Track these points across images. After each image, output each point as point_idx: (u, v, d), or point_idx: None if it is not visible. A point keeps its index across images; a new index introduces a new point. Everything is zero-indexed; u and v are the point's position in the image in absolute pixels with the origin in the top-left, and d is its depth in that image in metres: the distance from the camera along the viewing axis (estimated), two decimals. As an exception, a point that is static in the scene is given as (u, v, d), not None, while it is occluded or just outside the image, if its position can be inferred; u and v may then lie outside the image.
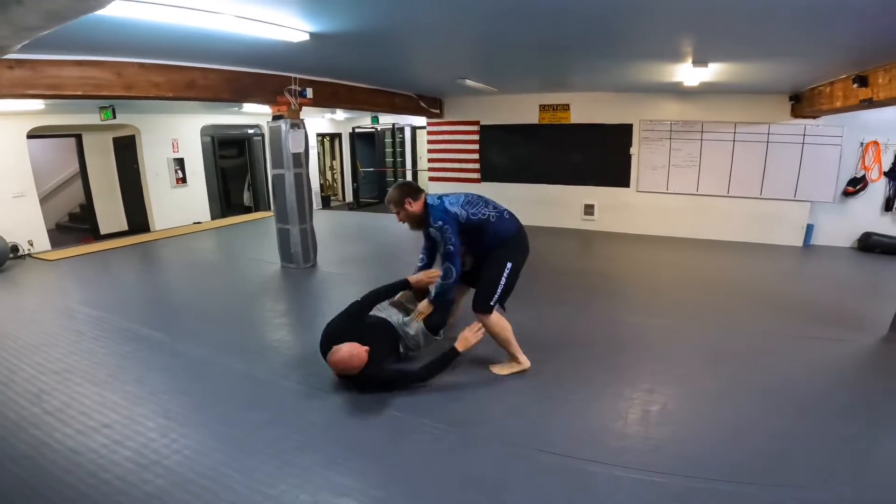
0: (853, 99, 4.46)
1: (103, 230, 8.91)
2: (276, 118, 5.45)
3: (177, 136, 9.00)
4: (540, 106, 7.97)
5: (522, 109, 8.06)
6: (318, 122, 12.08)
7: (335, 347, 2.79)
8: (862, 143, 6.39)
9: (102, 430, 2.55)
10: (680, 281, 5.33)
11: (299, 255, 5.85)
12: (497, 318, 3.05)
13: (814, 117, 6.31)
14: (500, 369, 3.15)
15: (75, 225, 9.70)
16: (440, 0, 2.84)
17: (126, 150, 8.78)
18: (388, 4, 2.96)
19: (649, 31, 3.53)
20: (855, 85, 4.24)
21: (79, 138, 8.54)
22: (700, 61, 4.42)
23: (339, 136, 12.94)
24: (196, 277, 5.84)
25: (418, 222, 3.09)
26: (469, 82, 6.31)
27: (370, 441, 2.50)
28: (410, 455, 2.39)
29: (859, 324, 3.92)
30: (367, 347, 2.78)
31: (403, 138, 12.20)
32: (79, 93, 3.75)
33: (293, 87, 5.25)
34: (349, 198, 13.05)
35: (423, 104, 8.03)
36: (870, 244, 6.51)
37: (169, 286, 5.56)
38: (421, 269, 3.39)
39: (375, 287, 3.21)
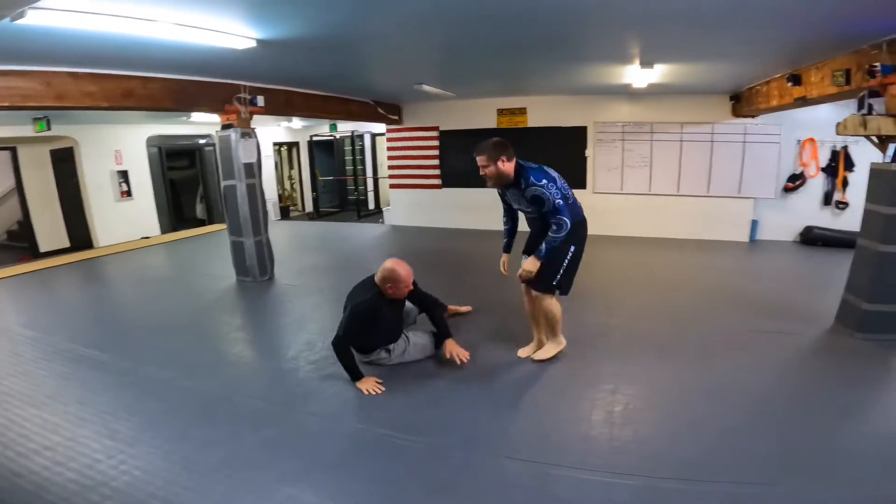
0: (788, 97, 4.71)
1: (43, 248, 8.36)
2: (225, 127, 5.25)
3: (120, 148, 8.57)
4: (498, 110, 8.04)
5: (481, 114, 8.11)
6: (275, 130, 11.79)
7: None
8: (799, 141, 6.76)
9: (44, 452, 2.42)
10: (635, 281, 5.44)
11: (255, 267, 5.65)
12: (553, 301, 3.23)
13: (752, 116, 6.63)
14: (543, 353, 3.35)
15: (13, 243, 9.10)
16: (388, 7, 2.81)
17: (64, 163, 8.28)
18: (336, 12, 2.90)
19: (596, 34, 3.63)
20: (789, 84, 4.47)
21: (13, 151, 7.98)
22: (646, 63, 4.57)
23: (296, 144, 12.66)
24: (143, 294, 5.52)
25: (503, 182, 3.10)
26: (426, 87, 6.29)
27: (333, 455, 2.41)
28: (375, 468, 2.32)
29: (807, 316, 4.09)
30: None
31: (363, 146, 12.05)
32: (4, 104, 3.48)
33: (243, 95, 5.07)
34: (309, 207, 12.77)
35: (381, 111, 7.95)
36: (812, 237, 6.88)
37: (114, 304, 5.23)
38: (508, 231, 3.50)
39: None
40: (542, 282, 3.15)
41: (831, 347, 3.57)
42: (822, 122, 6.27)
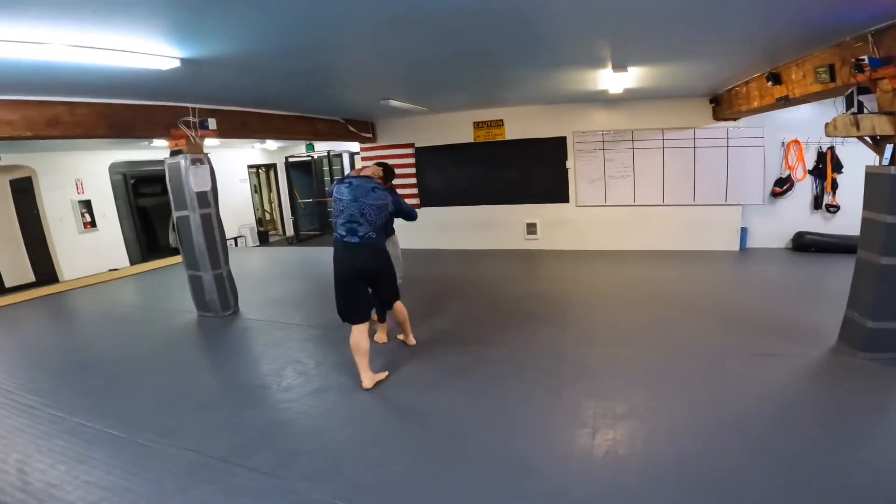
0: (769, 98, 4.43)
1: (8, 283, 7.93)
2: (174, 153, 4.91)
3: (80, 176, 8.19)
4: (474, 123, 7.75)
5: (457, 128, 7.82)
6: (249, 152, 11.47)
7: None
8: (783, 143, 6.51)
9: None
10: (621, 299, 5.09)
11: (216, 302, 5.26)
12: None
13: (734, 119, 6.37)
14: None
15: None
16: (302, 24, 2.51)
17: (24, 194, 7.90)
18: (259, 29, 2.64)
19: (565, 33, 3.30)
20: (769, 83, 4.19)
21: (-31, 183, 7.62)
22: (619, 65, 4.28)
23: (273, 166, 12.33)
24: (95, 332, 5.17)
25: None
26: (394, 103, 5.99)
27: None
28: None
29: (807, 334, 3.75)
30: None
31: (342, 165, 11.72)
32: None
33: (190, 118, 4.74)
34: (290, 231, 12.37)
35: (351, 128, 7.65)
36: (804, 243, 6.58)
37: (62, 343, 4.83)
38: None
39: None
40: None
41: (835, 369, 3.22)
42: (806, 122, 6.03)
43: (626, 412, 2.82)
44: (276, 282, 7.09)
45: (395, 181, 4.12)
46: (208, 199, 5.10)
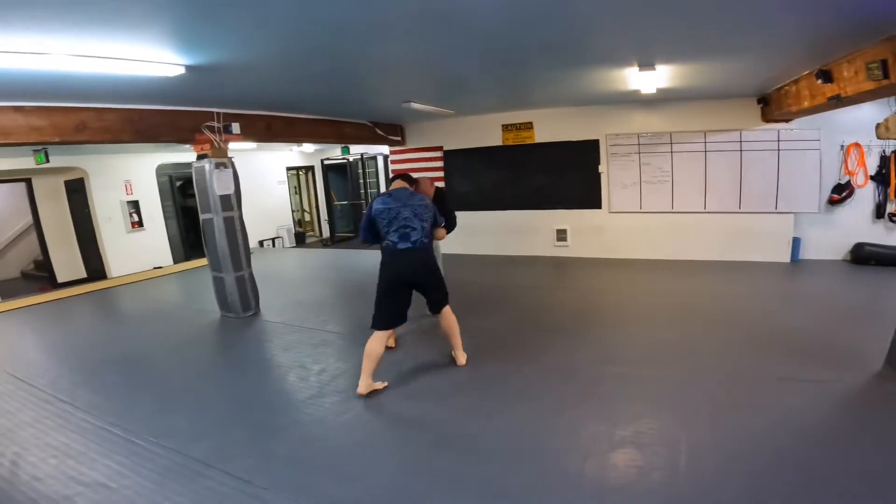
0: (820, 97, 4.00)
1: (60, 278, 8.50)
2: (200, 157, 5.04)
3: (129, 178, 8.64)
4: (502, 126, 7.57)
5: (485, 131, 7.67)
6: (288, 155, 11.77)
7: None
8: (842, 146, 5.91)
9: None
10: (654, 312, 4.74)
11: (237, 303, 5.37)
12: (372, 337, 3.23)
13: (786, 121, 5.85)
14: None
15: (38, 273, 9.31)
16: (295, 31, 2.46)
17: (77, 194, 8.43)
18: (255, 35, 2.62)
19: (585, 30, 3.08)
20: (819, 81, 3.77)
21: (28, 183, 8.19)
22: (646, 64, 3.99)
23: (311, 168, 12.61)
24: (121, 329, 5.40)
25: None
26: (416, 105, 5.92)
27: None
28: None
29: (851, 357, 3.33)
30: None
31: (376, 168, 11.83)
32: (-59, 143, 3.35)
33: (214, 123, 4.85)
34: (326, 233, 12.61)
35: (379, 132, 7.65)
36: (863, 255, 5.95)
37: (87, 340, 5.06)
38: None
39: None
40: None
41: (878, 400, 2.81)
42: (868, 123, 5.41)
43: (625, 438, 2.58)
44: (303, 284, 7.19)
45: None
46: (231, 203, 5.21)
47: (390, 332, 3.29)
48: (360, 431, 2.84)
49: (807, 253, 6.41)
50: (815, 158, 5.93)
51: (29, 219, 8.86)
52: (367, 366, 3.18)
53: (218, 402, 3.38)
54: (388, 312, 3.22)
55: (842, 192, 5.97)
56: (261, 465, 2.47)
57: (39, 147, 6.35)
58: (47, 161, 6.57)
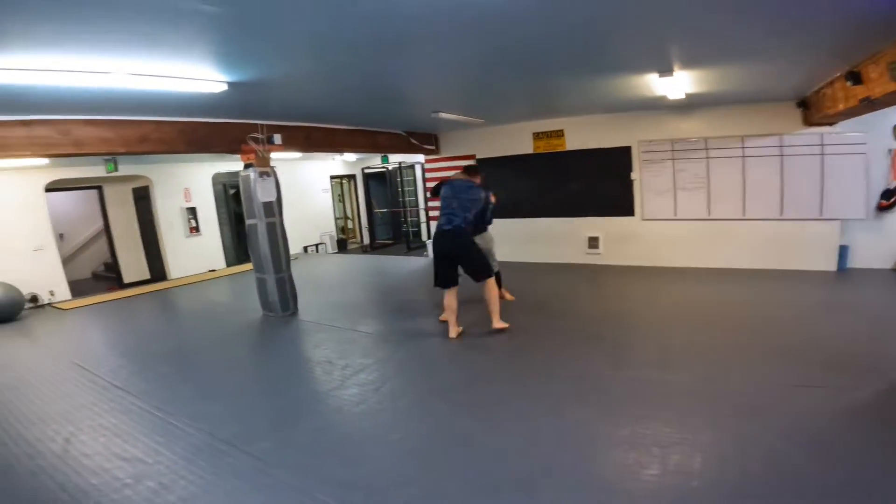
0: (853, 100, 3.87)
1: (126, 279, 9.33)
2: (246, 167, 5.48)
3: (188, 185, 9.38)
4: (533, 134, 7.66)
5: (516, 139, 7.79)
6: (331, 164, 12.32)
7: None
8: (890, 150, 5.59)
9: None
10: (691, 321, 4.60)
11: (276, 303, 5.76)
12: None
13: (830, 124, 5.61)
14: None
15: (107, 274, 10.25)
16: (320, 48, 2.70)
17: (143, 201, 9.25)
18: (294, 55, 2.89)
19: (609, 36, 3.11)
20: (848, 83, 3.67)
21: (100, 190, 9.07)
22: (665, 70, 4.01)
23: (353, 177, 13.12)
24: (171, 325, 5.93)
25: None
26: (444, 115, 6.14)
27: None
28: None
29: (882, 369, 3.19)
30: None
31: (414, 176, 12.16)
32: (27, 153, 3.87)
33: (257, 134, 5.27)
34: (367, 240, 13.06)
35: (414, 141, 7.94)
36: (917, 265, 5.59)
37: (149, 335, 5.57)
38: None
39: None
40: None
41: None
42: (918, 125, 5.14)
43: (625, 437, 2.63)
44: (340, 288, 7.50)
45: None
46: (273, 209, 5.61)
47: (455, 288, 4.24)
48: (370, 420, 3.04)
49: (855, 261, 6.08)
50: (862, 162, 5.65)
51: (100, 224, 9.79)
52: (449, 316, 4.33)
53: (249, 391, 3.71)
54: (438, 276, 4.24)
55: (891, 198, 5.63)
56: (276, 448, 2.73)
57: (109, 157, 7.04)
58: (116, 170, 7.28)
